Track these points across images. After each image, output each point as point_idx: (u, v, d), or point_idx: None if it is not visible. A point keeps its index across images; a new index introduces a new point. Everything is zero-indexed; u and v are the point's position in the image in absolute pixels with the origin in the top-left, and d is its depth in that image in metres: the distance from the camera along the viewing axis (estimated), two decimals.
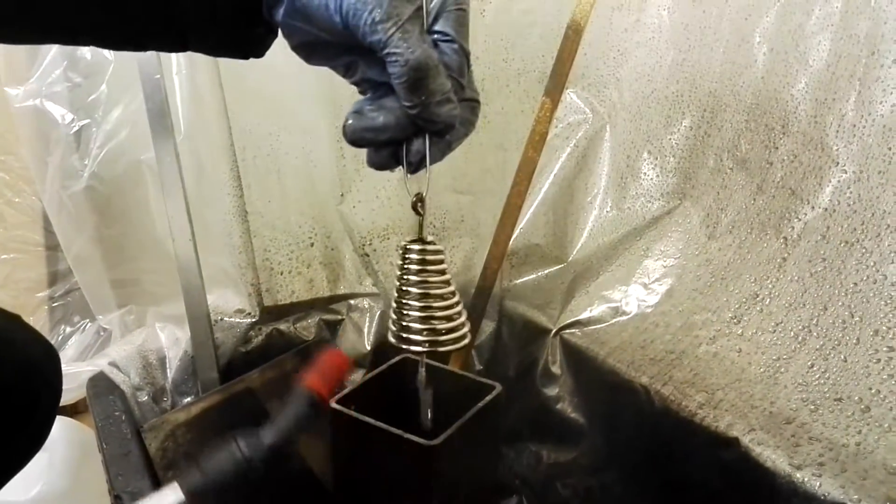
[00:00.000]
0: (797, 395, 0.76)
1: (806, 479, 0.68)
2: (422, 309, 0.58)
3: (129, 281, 1.19)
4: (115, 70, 1.07)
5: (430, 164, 0.49)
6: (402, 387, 0.86)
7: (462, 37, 0.46)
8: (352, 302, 1.11)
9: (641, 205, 1.04)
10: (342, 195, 1.11)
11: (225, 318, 0.98)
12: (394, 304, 0.60)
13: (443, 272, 0.59)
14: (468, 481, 0.79)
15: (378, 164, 0.51)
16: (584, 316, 0.99)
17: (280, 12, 0.46)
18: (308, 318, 1.08)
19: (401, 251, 0.60)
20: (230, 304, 1.00)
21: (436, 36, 0.45)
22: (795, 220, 0.86)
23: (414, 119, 0.46)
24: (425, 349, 0.59)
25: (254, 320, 1.00)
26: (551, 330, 1.01)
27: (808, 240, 0.84)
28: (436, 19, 0.45)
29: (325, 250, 1.12)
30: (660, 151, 1.03)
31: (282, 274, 1.09)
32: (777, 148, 0.90)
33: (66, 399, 0.99)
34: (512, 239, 1.00)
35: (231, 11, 0.49)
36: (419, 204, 0.56)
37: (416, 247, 0.58)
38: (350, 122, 0.48)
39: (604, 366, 0.92)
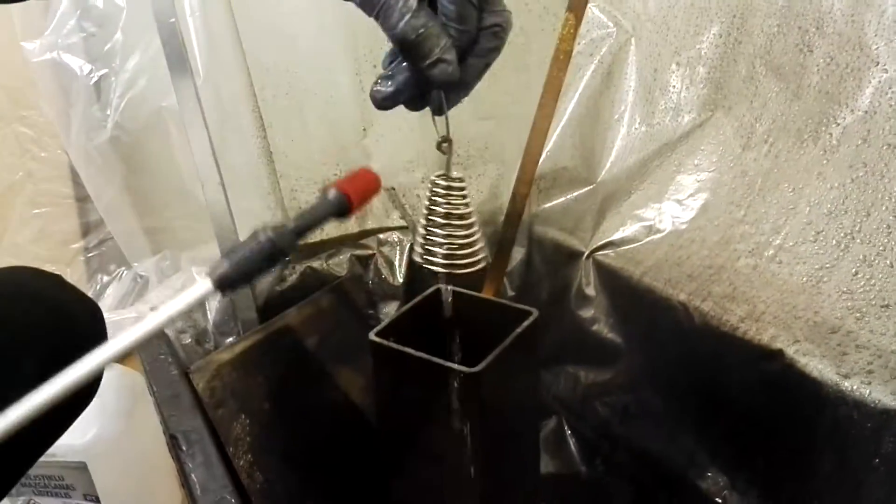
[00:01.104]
0: (842, 304, 0.74)
1: (855, 388, 0.67)
2: (444, 237, 0.65)
3: (160, 228, 1.18)
4: (128, 17, 1.04)
5: (447, 110, 0.52)
6: (438, 317, 0.85)
7: None
8: (381, 236, 1.09)
9: (671, 119, 0.99)
10: (364, 130, 1.08)
11: None
12: (420, 229, 0.67)
13: (466, 205, 0.65)
14: (510, 406, 0.79)
15: (414, 110, 0.54)
16: (616, 236, 0.96)
17: None
18: (339, 254, 1.06)
19: (430, 184, 0.65)
20: None
21: None
22: (834, 126, 0.81)
23: (419, 77, 0.48)
24: (445, 271, 0.66)
25: (287, 259, 0.99)
26: (583, 252, 0.99)
27: (848, 145, 0.80)
28: None
29: None
30: (688, 62, 0.98)
31: None
32: (812, 51, 0.85)
33: None
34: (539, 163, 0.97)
35: None
36: (443, 144, 0.60)
37: (442, 182, 0.64)
38: (372, 94, 0.51)
39: (639, 285, 0.90)
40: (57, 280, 0.67)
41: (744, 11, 0.93)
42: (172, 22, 0.87)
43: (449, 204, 0.64)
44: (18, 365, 0.58)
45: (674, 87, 1.00)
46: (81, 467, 0.92)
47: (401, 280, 1.08)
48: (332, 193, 0.51)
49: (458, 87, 0.51)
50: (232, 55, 0.98)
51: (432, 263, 0.66)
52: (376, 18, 0.45)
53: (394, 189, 1.06)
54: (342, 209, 0.51)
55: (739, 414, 0.79)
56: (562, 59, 0.90)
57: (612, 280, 0.95)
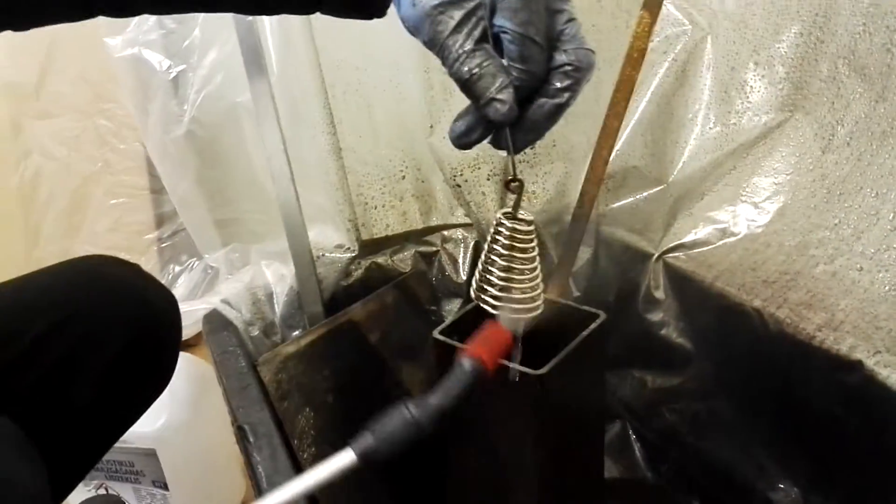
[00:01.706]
0: None
1: None
2: (502, 279, 0.63)
3: (231, 220, 1.22)
4: (206, 14, 1.07)
5: (512, 152, 0.51)
6: None
7: (519, 21, 0.45)
8: (445, 233, 1.10)
9: (748, 119, 0.97)
10: (431, 127, 1.08)
11: (326, 254, 0.99)
12: (480, 265, 0.64)
13: (531, 249, 0.63)
14: (575, 408, 0.79)
15: (497, 148, 0.53)
16: (688, 239, 0.95)
17: None
18: (404, 250, 1.08)
19: (495, 221, 0.63)
20: (330, 239, 1.01)
21: (496, 29, 0.46)
22: None
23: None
24: (498, 312, 0.62)
25: (353, 255, 1.01)
26: (653, 254, 0.97)
27: None
28: (493, 12, 0.45)
29: (417, 182, 1.11)
30: (767, 62, 0.96)
31: (375, 208, 1.09)
32: None
33: (183, 335, 1.03)
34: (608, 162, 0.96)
35: None
36: (512, 183, 0.58)
37: (507, 223, 0.62)
38: (448, 132, 0.51)
39: (711, 290, 0.88)
40: (136, 269, 0.71)
41: (827, 10, 0.90)
42: (249, 20, 0.90)
43: (512, 247, 0.62)
44: (105, 346, 0.62)
45: (751, 86, 0.98)
46: (151, 454, 0.96)
47: (464, 277, 1.08)
48: (466, 363, 0.51)
49: (526, 128, 0.50)
50: (305, 53, 1.00)
51: (487, 303, 0.64)
52: (438, 56, 0.46)
53: (459, 186, 1.07)
54: (480, 376, 0.52)
55: (815, 425, 0.77)
56: (636, 57, 0.89)
57: (682, 283, 0.93)
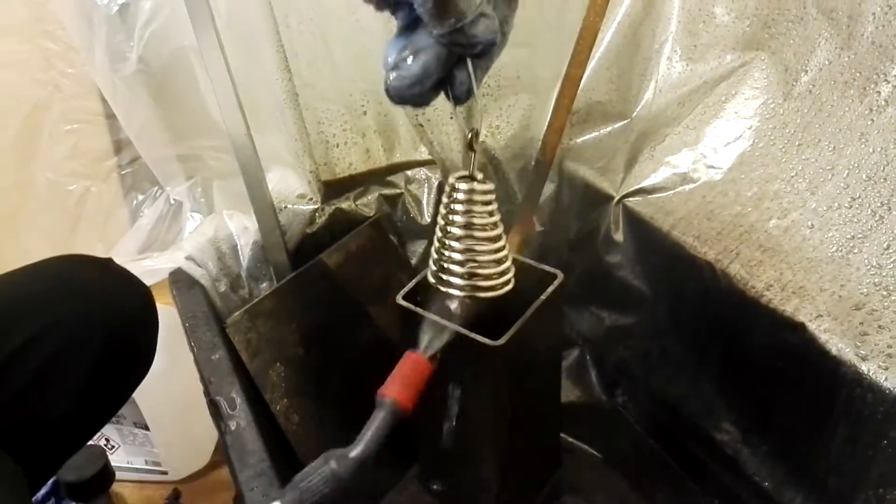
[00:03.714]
0: (869, 279, 0.74)
1: (871, 371, 0.69)
2: (464, 251, 0.57)
3: (192, 156, 1.20)
4: None
5: (478, 89, 0.45)
6: None
7: None
8: (409, 173, 1.10)
9: (714, 55, 0.95)
10: None
11: (288, 206, 0.99)
12: (436, 242, 0.59)
13: (491, 213, 0.57)
14: (534, 368, 0.83)
15: (422, 104, 0.46)
16: (647, 183, 0.96)
17: None
18: (368, 193, 1.08)
19: (448, 187, 0.57)
20: (291, 187, 1.00)
21: None
22: (883, 83, 0.78)
23: (450, 48, 0.41)
24: (465, 293, 0.59)
25: (316, 206, 1.00)
26: (614, 197, 0.99)
27: None
28: None
29: (379, 117, 1.09)
30: None
31: (337, 146, 1.08)
32: None
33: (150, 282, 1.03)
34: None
35: None
36: (474, 139, 0.52)
37: (464, 185, 0.56)
38: (392, 82, 0.43)
39: (668, 238, 0.91)
40: (108, 268, 0.69)
41: None
42: None
43: (470, 212, 0.56)
44: (81, 357, 0.62)
45: (720, 18, 0.96)
46: (130, 401, 1.00)
47: (428, 219, 1.09)
48: (385, 407, 0.54)
49: (483, 65, 0.45)
50: None
51: (448, 285, 0.58)
52: None
53: (421, 126, 1.05)
54: (399, 416, 0.54)
55: (758, 375, 0.83)
56: (600, 3, 0.86)
57: (640, 229, 0.95)
